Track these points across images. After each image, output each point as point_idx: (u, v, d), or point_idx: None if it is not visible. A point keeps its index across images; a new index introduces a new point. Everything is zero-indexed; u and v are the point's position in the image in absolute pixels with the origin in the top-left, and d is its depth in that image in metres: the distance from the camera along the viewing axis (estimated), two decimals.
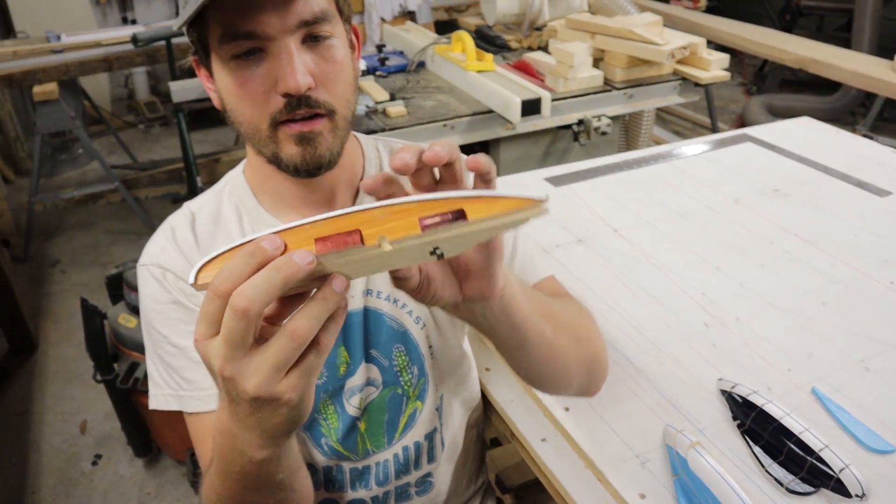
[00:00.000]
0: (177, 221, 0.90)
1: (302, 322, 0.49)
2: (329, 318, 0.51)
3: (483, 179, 0.55)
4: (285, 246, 0.49)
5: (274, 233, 0.50)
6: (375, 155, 0.95)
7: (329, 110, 0.75)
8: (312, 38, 0.74)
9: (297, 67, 0.71)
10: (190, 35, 0.78)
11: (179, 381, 0.86)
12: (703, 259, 1.38)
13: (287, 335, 0.49)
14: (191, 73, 4.65)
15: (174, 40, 3.34)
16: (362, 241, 0.49)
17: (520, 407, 1.10)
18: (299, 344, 0.49)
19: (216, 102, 0.81)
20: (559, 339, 0.76)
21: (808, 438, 0.90)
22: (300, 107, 0.73)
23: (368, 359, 0.93)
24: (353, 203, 0.89)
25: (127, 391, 2.10)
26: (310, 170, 0.77)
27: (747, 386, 1.02)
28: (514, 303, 0.66)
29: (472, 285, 0.60)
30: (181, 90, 2.92)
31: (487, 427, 1.19)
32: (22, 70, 3.31)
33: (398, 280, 0.56)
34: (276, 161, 0.78)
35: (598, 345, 0.88)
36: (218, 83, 0.78)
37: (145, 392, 2.22)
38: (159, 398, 0.88)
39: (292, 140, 0.76)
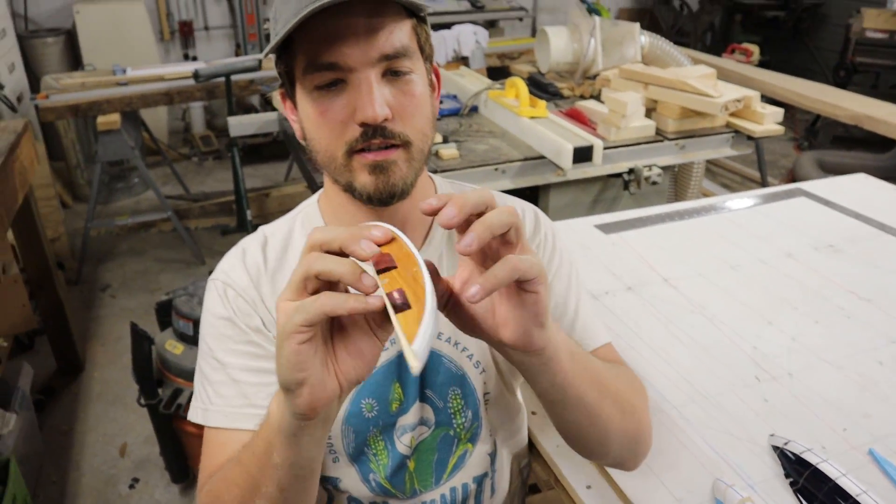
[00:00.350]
0: (249, 243, 0.93)
1: (312, 257, 0.58)
2: (339, 296, 0.56)
3: (504, 241, 0.61)
4: (391, 241, 0.59)
5: (394, 231, 0.60)
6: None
7: (404, 141, 0.77)
8: (393, 73, 0.76)
9: (376, 98, 0.73)
10: (278, 67, 0.82)
11: (212, 394, 0.87)
12: (755, 312, 1.36)
13: (303, 260, 0.58)
14: (246, 110, 4.80)
15: (233, 78, 3.45)
16: (381, 271, 0.57)
17: (566, 452, 1.08)
18: (303, 270, 0.58)
19: (298, 133, 0.84)
20: (602, 407, 0.78)
21: (865, 501, 0.88)
22: (376, 136, 0.75)
23: (423, 398, 0.93)
24: (425, 239, 0.92)
25: (169, 417, 2.13)
26: (382, 198, 0.79)
27: (801, 443, 0.99)
28: (557, 364, 0.68)
29: (508, 336, 0.64)
30: (238, 125, 3.02)
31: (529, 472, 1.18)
32: (88, 100, 3.45)
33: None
34: (350, 189, 0.80)
35: (643, 422, 0.88)
36: (300, 113, 0.81)
37: (186, 418, 2.24)
38: (193, 410, 0.90)
39: (366, 169, 0.77)
